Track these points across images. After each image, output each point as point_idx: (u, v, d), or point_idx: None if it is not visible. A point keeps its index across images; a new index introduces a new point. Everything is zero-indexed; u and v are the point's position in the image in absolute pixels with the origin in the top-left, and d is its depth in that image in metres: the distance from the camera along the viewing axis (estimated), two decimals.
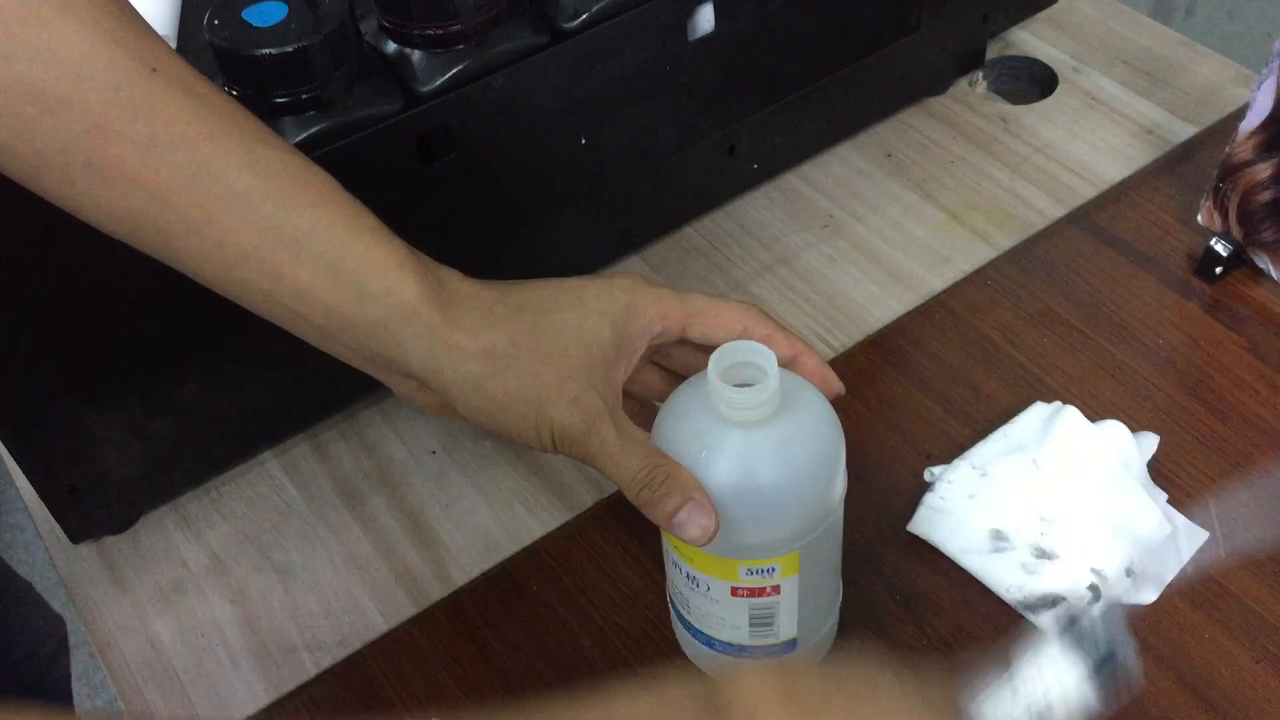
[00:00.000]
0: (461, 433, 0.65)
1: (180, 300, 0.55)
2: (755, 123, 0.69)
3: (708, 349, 0.45)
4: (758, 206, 0.75)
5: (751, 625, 0.49)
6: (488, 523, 0.61)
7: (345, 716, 0.54)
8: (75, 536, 0.60)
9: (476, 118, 0.51)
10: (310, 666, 0.57)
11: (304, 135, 0.48)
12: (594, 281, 0.49)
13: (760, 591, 0.48)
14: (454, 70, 0.49)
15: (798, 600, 0.49)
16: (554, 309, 0.47)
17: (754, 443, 0.44)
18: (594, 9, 0.52)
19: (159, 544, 0.62)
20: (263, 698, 0.56)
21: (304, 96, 0.47)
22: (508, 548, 0.60)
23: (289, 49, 0.46)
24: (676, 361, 0.53)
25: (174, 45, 0.51)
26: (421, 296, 0.46)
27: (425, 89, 0.49)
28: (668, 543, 0.49)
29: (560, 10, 0.51)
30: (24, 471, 0.57)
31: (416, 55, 0.49)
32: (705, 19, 0.55)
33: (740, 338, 0.48)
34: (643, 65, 0.55)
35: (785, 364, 0.48)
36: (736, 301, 0.50)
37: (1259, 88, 0.62)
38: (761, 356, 0.44)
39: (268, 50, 0.46)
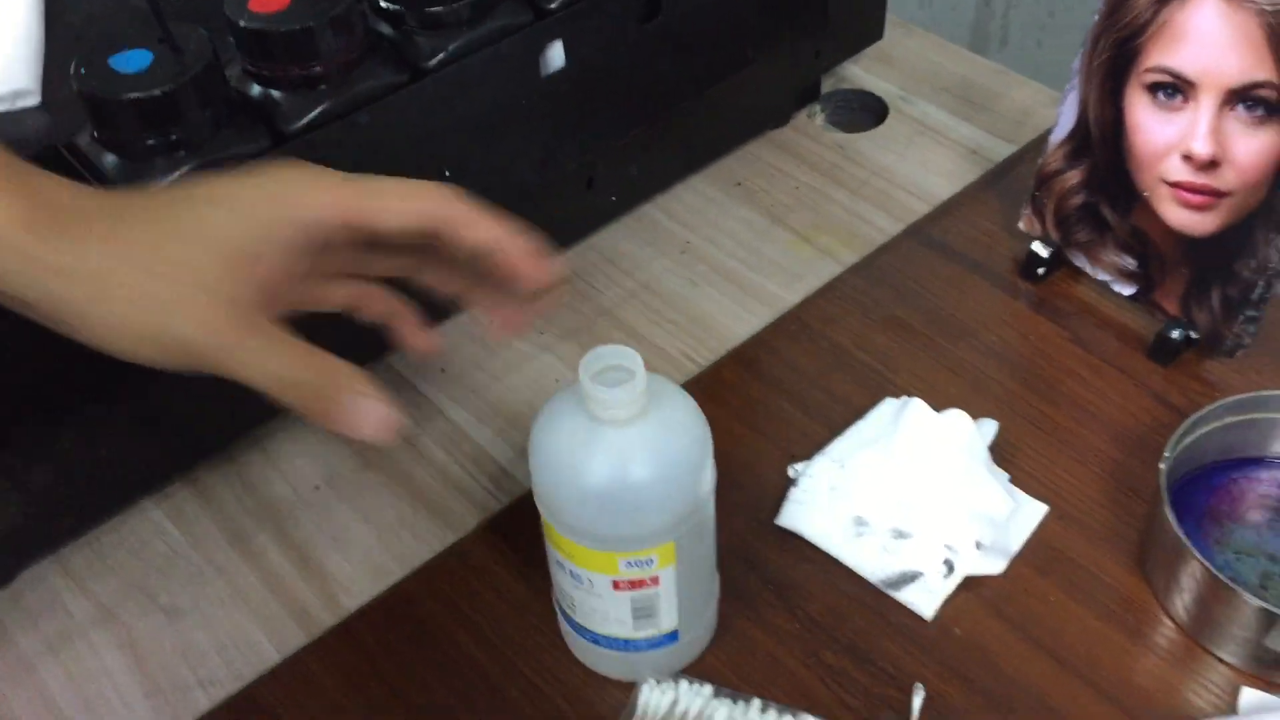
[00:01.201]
0: (344, 466, 0.67)
1: (53, 349, 0.56)
2: (611, 156, 0.73)
3: (405, 248, 0.44)
4: (618, 237, 0.78)
5: (635, 618, 0.52)
6: (375, 551, 0.63)
7: None
8: None
9: (341, 155, 0.53)
10: (204, 701, 0.57)
11: (174, 175, 0.49)
12: (237, 179, 0.44)
13: (640, 583, 0.50)
14: (318, 109, 0.52)
15: (676, 591, 0.52)
16: (169, 216, 0.43)
17: (626, 439, 0.47)
18: (450, 48, 0.55)
19: (42, 597, 0.62)
20: None
21: (173, 138, 0.49)
22: (397, 572, 0.62)
23: (156, 93, 0.47)
24: (378, 267, 0.49)
25: (39, 91, 0.53)
26: (9, 218, 0.40)
27: (290, 128, 0.52)
28: (551, 544, 0.51)
29: (418, 50, 0.54)
30: None
31: (281, 96, 0.52)
32: (556, 55, 0.59)
33: (428, 223, 0.45)
34: (500, 100, 0.58)
35: (488, 250, 0.47)
36: (424, 183, 0.46)
37: (1063, 103, 0.69)
38: (630, 359, 0.47)
39: (136, 95, 0.47)
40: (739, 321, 0.73)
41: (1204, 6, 0.61)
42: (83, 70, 0.48)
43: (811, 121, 0.87)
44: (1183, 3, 0.61)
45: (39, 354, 0.55)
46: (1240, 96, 0.61)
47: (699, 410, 0.50)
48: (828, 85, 0.89)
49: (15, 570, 0.62)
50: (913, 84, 0.89)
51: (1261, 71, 0.60)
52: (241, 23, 0.50)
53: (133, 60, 0.48)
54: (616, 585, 0.51)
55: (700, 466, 0.49)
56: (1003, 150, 0.83)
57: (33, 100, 0.53)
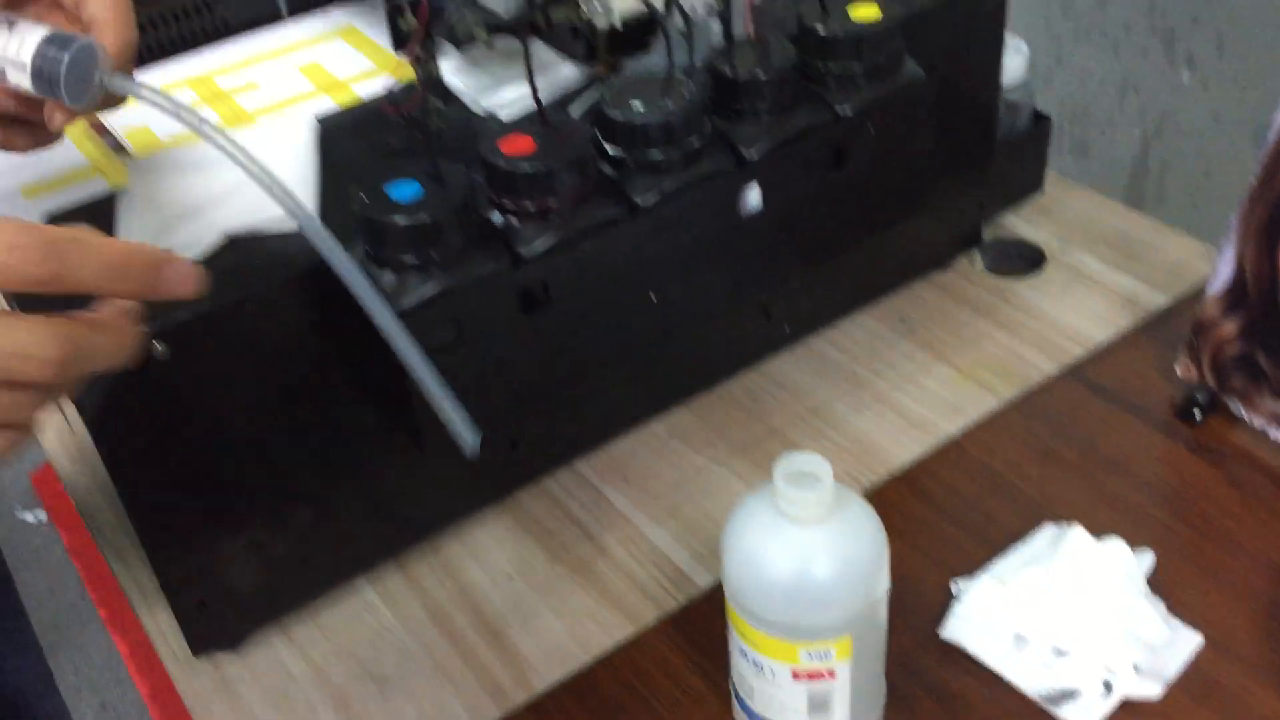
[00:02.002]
0: (534, 558, 0.73)
1: (298, 439, 0.64)
2: (789, 291, 0.80)
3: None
4: (790, 364, 0.85)
5: (810, 710, 0.57)
6: (562, 637, 0.69)
7: None
8: (197, 649, 0.68)
9: (568, 277, 0.61)
10: None
11: (428, 291, 0.57)
12: None
13: (818, 675, 0.55)
14: (552, 238, 0.60)
15: (850, 686, 0.56)
16: None
17: (812, 537, 0.53)
18: (664, 189, 0.63)
19: (267, 657, 0.69)
20: None
21: (432, 256, 0.57)
22: (582, 658, 0.67)
23: (425, 219, 0.56)
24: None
25: (316, 209, 0.62)
26: None
27: (527, 253, 0.60)
28: (735, 632, 0.57)
29: (638, 189, 0.62)
30: (162, 587, 0.65)
31: (520, 225, 0.60)
32: (754, 198, 0.66)
33: None
34: (701, 236, 0.65)
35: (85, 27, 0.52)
36: None
37: (1221, 256, 0.73)
38: (819, 466, 0.53)
39: (407, 221, 0.56)
40: (901, 447, 0.78)
41: None
42: (362, 194, 0.57)
43: (972, 267, 0.93)
44: None
45: (289, 438, 0.64)
46: None
47: (877, 516, 0.55)
48: (988, 233, 0.94)
49: (247, 633, 0.70)
50: (1070, 234, 0.94)
51: None
52: (495, 162, 0.59)
53: (405, 190, 0.57)
54: (795, 675, 0.55)
55: (877, 567, 0.54)
56: (1158, 300, 0.87)
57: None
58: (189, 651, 0.69)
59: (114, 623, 1.78)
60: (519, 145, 0.60)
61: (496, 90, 0.71)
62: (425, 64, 0.68)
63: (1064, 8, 1.26)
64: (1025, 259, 0.94)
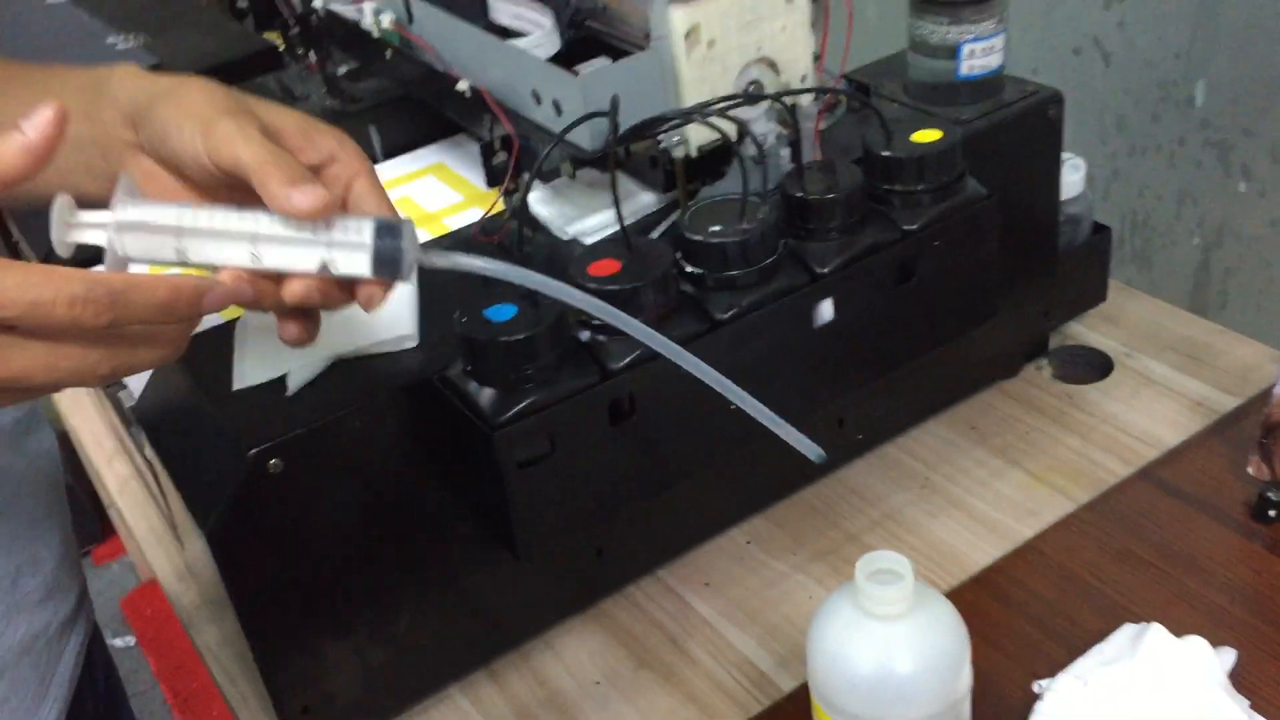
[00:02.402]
0: (621, 666, 0.76)
1: (398, 547, 0.68)
2: (861, 399, 0.83)
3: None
4: (863, 471, 0.87)
5: None
6: None
7: None
8: None
9: (653, 388, 0.65)
10: None
11: (524, 404, 0.61)
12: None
13: None
14: (636, 352, 0.64)
15: None
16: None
17: (894, 633, 0.55)
18: (741, 304, 0.66)
19: None
20: None
21: (527, 372, 0.61)
22: None
23: (521, 338, 0.60)
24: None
25: (417, 335, 0.67)
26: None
27: (614, 366, 0.63)
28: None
29: (716, 305, 0.66)
30: (269, 692, 0.68)
31: (607, 340, 0.64)
32: (826, 310, 0.69)
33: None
34: (775, 347, 0.69)
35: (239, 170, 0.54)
36: (249, 133, 0.54)
37: None
38: (900, 563, 0.55)
39: (505, 338, 0.60)
40: (977, 551, 0.80)
41: None
42: (464, 318, 0.62)
43: (1039, 374, 0.95)
44: None
45: (391, 546, 0.67)
46: None
47: (958, 614, 0.57)
48: (1055, 342, 0.97)
49: None
50: (1136, 341, 0.96)
51: None
52: (583, 284, 0.63)
53: (502, 312, 0.61)
54: None
55: (960, 663, 0.56)
56: (1228, 403, 0.88)
57: (412, 343, 0.67)
58: None
59: None
60: (606, 267, 0.64)
61: (581, 219, 0.76)
62: (515, 194, 0.73)
63: (1119, 124, 1.30)
64: (1093, 366, 0.96)
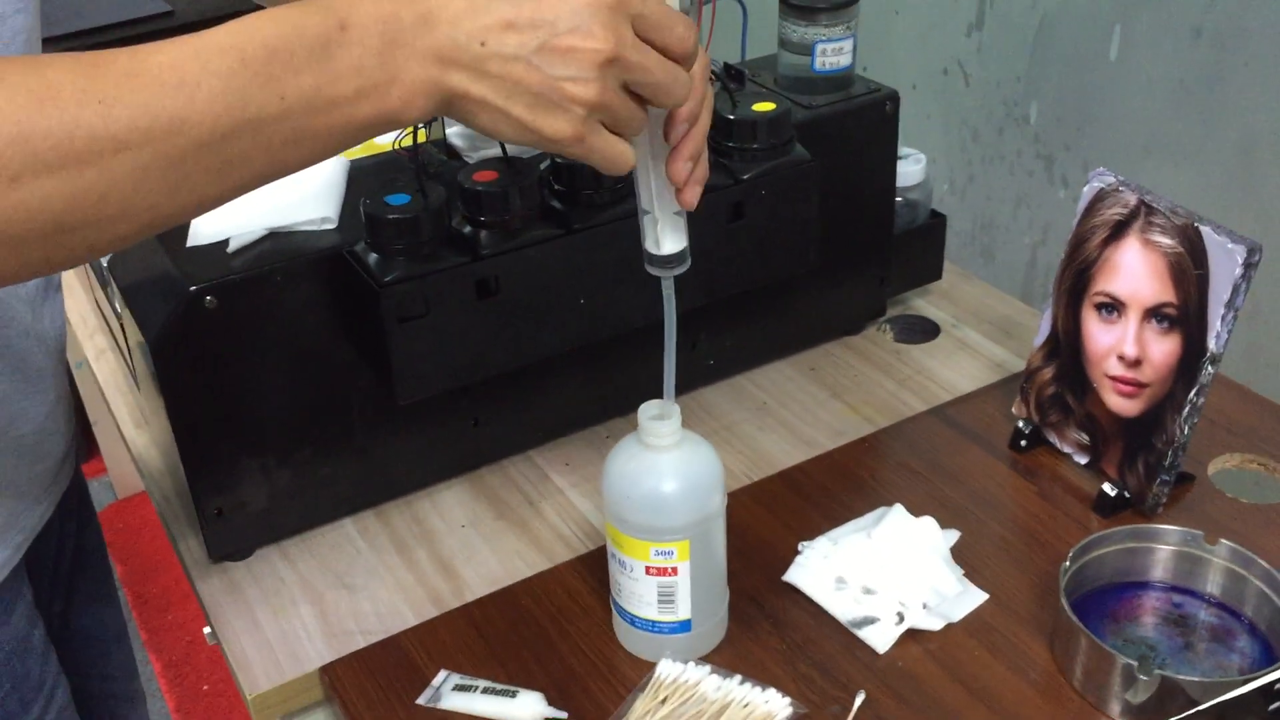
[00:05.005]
0: (485, 515, 0.93)
1: (309, 387, 0.85)
2: (715, 331, 1.00)
3: None
4: (713, 394, 1.04)
5: (659, 601, 0.75)
6: (494, 568, 0.88)
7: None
8: (213, 554, 0.87)
9: (516, 275, 0.82)
10: (362, 642, 0.82)
11: (405, 270, 0.79)
12: None
13: (664, 571, 0.74)
14: (505, 244, 0.81)
15: (690, 583, 0.74)
16: None
17: (663, 460, 0.72)
18: (598, 219, 0.84)
19: (267, 567, 0.89)
20: (327, 657, 0.81)
21: (412, 246, 0.79)
22: (506, 582, 0.86)
23: (408, 217, 0.78)
24: None
25: (336, 219, 0.84)
26: None
27: (484, 253, 0.81)
28: (610, 542, 0.75)
29: (572, 216, 0.84)
30: (191, 493, 0.85)
31: (483, 234, 0.81)
32: None
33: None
34: (623, 259, 0.86)
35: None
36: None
37: (1043, 317, 0.93)
38: (670, 409, 0.72)
39: (395, 216, 0.78)
40: (789, 457, 0.97)
41: (1130, 248, 0.85)
42: (367, 200, 0.79)
43: (882, 335, 1.13)
44: (1117, 245, 0.86)
45: (301, 387, 0.85)
46: (1154, 313, 0.84)
47: (715, 452, 0.74)
48: (897, 310, 1.14)
49: (253, 547, 0.89)
50: (963, 315, 1.14)
51: (1167, 295, 0.83)
52: (465, 185, 0.81)
53: (398, 200, 0.79)
54: (648, 570, 0.74)
55: (712, 488, 0.73)
56: (1022, 365, 1.05)
57: (332, 224, 0.84)
58: (208, 559, 0.88)
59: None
60: (485, 175, 0.82)
61: (487, 149, 0.94)
62: (430, 127, 0.91)
63: (974, 136, 1.49)
64: (924, 332, 1.14)
